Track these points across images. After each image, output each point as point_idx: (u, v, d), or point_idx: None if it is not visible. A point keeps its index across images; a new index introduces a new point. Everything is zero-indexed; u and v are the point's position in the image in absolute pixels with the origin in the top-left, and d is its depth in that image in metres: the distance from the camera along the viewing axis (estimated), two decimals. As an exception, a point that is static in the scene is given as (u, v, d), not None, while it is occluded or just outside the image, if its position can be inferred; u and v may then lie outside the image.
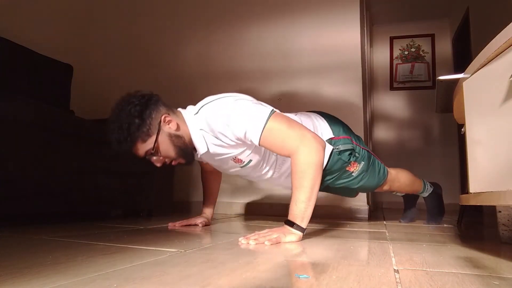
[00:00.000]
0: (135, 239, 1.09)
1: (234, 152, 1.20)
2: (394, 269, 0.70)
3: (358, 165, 1.43)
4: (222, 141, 1.14)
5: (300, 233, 1.05)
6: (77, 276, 0.60)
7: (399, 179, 1.64)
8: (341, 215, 2.13)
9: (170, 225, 1.46)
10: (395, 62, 4.29)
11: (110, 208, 2.01)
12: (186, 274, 0.63)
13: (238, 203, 2.38)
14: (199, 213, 1.58)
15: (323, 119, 1.43)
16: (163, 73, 2.71)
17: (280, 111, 1.21)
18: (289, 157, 1.10)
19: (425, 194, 1.80)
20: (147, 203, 2.07)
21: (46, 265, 0.68)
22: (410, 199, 1.95)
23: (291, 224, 1.05)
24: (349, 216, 2.11)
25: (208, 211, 1.57)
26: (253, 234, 1.05)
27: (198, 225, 1.45)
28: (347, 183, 1.48)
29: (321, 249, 0.96)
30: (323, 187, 1.51)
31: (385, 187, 1.60)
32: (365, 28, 2.82)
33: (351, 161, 1.40)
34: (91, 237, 1.11)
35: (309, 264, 0.74)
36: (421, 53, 4.23)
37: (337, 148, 1.35)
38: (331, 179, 1.44)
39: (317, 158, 1.06)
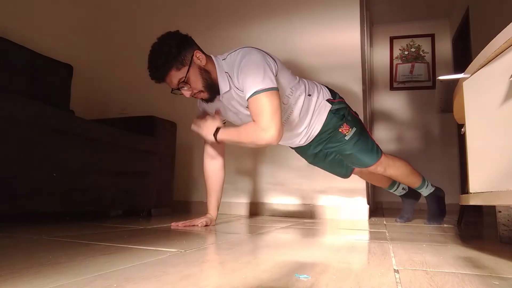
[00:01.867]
0: (135, 239, 1.09)
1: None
2: (394, 269, 0.70)
3: (350, 129, 1.56)
4: (239, 86, 1.32)
5: (212, 139, 1.36)
6: (77, 276, 0.60)
7: (395, 164, 1.67)
8: (341, 215, 2.13)
9: (173, 225, 1.46)
10: (395, 62, 4.29)
11: (110, 208, 2.01)
12: (186, 274, 0.63)
13: (238, 203, 2.38)
14: (199, 213, 1.58)
15: (324, 86, 1.63)
16: (163, 73, 2.71)
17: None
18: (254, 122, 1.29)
19: (425, 192, 1.80)
20: (147, 203, 2.07)
21: (46, 265, 0.68)
22: (408, 199, 1.96)
23: (217, 129, 1.36)
24: (349, 216, 2.11)
25: (213, 211, 1.56)
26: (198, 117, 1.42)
27: (199, 225, 1.45)
28: (340, 146, 1.58)
29: (321, 249, 0.96)
30: (317, 151, 1.65)
31: (380, 169, 1.63)
32: (365, 28, 2.82)
33: (343, 123, 1.55)
34: (91, 237, 1.11)
35: (309, 264, 0.74)
36: (421, 53, 4.23)
37: (333, 107, 1.55)
38: (325, 140, 1.59)
39: (259, 143, 1.29)
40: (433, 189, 1.80)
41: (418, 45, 4.25)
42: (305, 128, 1.54)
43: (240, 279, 0.59)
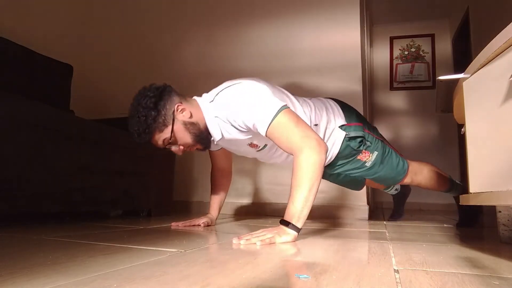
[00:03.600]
0: (135, 239, 1.09)
1: (248, 137, 1.23)
2: (394, 269, 0.70)
3: (370, 155, 1.41)
4: (236, 128, 1.18)
5: (295, 233, 1.05)
6: (77, 276, 0.60)
7: (422, 171, 1.56)
8: (341, 215, 2.13)
9: (173, 225, 1.46)
10: (395, 62, 4.29)
11: (110, 208, 2.01)
12: (186, 274, 0.63)
13: (238, 203, 2.38)
14: (199, 213, 1.58)
15: (337, 105, 1.43)
16: (163, 73, 2.71)
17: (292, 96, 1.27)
18: (292, 154, 1.11)
19: (454, 193, 1.68)
20: (147, 203, 2.07)
21: (46, 265, 0.68)
22: (398, 198, 1.98)
23: (287, 224, 1.05)
24: (349, 216, 2.11)
25: (214, 212, 1.57)
26: (247, 234, 1.05)
27: (200, 225, 1.45)
28: (361, 173, 1.47)
29: (321, 249, 0.96)
30: (333, 173, 1.51)
31: (407, 180, 1.54)
32: (365, 28, 2.82)
33: (361, 150, 1.39)
34: (91, 237, 1.11)
35: (309, 264, 0.74)
36: (421, 53, 4.23)
37: (348, 134, 1.36)
38: (341, 165, 1.45)
39: (318, 160, 1.06)
40: (460, 189, 1.67)
41: (418, 45, 4.25)
42: None
43: (240, 279, 0.59)
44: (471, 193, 0.91)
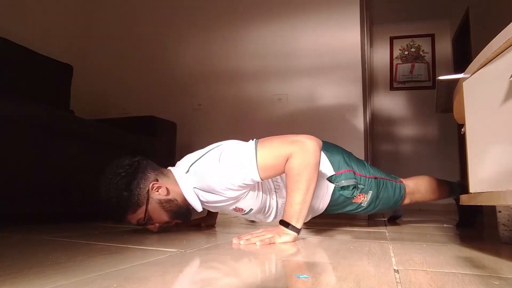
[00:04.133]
0: (135, 239, 1.08)
1: (232, 202, 1.17)
2: (394, 269, 0.70)
3: (366, 196, 1.38)
4: (219, 195, 1.12)
5: (294, 234, 1.05)
6: (77, 276, 0.60)
7: (419, 189, 1.54)
8: (341, 215, 2.12)
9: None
10: (395, 62, 4.30)
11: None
12: (186, 274, 0.63)
13: (238, 203, 2.38)
14: (199, 213, 1.58)
15: (322, 153, 1.33)
16: (163, 73, 2.71)
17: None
18: None
19: (456, 196, 1.65)
20: (147, 203, 2.06)
21: (46, 265, 0.68)
22: None
23: (286, 224, 1.05)
24: (349, 216, 2.10)
25: (213, 213, 1.56)
26: (246, 233, 1.05)
27: (201, 225, 1.45)
28: (360, 211, 1.44)
29: (321, 249, 0.96)
30: (330, 213, 1.46)
31: (406, 201, 1.52)
32: (365, 28, 2.82)
33: (357, 194, 1.35)
34: (91, 237, 1.11)
35: (309, 264, 0.74)
36: (421, 53, 4.23)
37: (338, 184, 1.31)
38: (336, 209, 1.41)
39: (312, 159, 1.05)
40: (459, 189, 1.64)
41: (418, 45, 4.25)
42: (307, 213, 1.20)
43: (240, 279, 0.59)
44: (471, 193, 0.91)
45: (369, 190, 1.38)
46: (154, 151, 2.09)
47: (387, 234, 1.34)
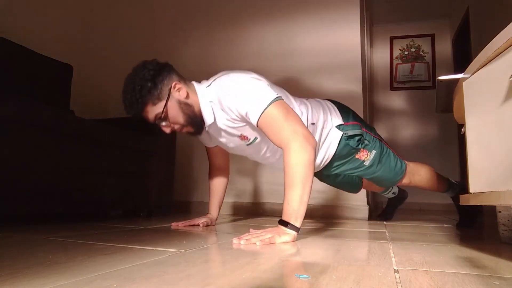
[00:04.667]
0: (135, 239, 1.09)
1: (239, 126, 1.21)
2: (394, 269, 0.70)
3: (369, 154, 1.41)
4: (229, 115, 1.17)
5: (294, 233, 1.05)
6: (77, 276, 0.60)
7: (419, 172, 1.56)
8: (341, 215, 2.13)
9: (173, 225, 1.46)
10: (395, 62, 4.30)
11: (110, 208, 2.01)
12: (186, 274, 0.63)
13: (238, 203, 2.38)
14: (199, 213, 1.58)
15: (334, 105, 1.44)
16: (163, 73, 2.70)
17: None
18: (281, 148, 1.12)
19: (451, 194, 1.69)
20: (147, 203, 2.07)
21: (46, 265, 0.68)
22: (394, 202, 1.99)
23: (285, 224, 1.05)
24: (349, 216, 2.11)
25: (214, 212, 1.56)
26: (246, 234, 1.06)
27: (199, 225, 1.45)
28: (359, 172, 1.47)
29: (321, 249, 0.96)
30: (331, 174, 1.51)
31: (405, 181, 1.54)
32: (365, 28, 2.82)
33: (360, 148, 1.39)
34: (91, 237, 1.11)
35: (309, 264, 0.74)
36: (421, 53, 4.23)
37: (346, 133, 1.36)
38: (339, 165, 1.44)
39: (307, 157, 1.06)
40: (457, 189, 1.67)
41: (418, 45, 4.25)
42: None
43: (240, 279, 0.59)
44: (471, 193, 0.91)
45: (373, 149, 1.42)
46: (154, 151, 2.09)
47: (387, 234, 1.34)
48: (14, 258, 0.75)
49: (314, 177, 1.30)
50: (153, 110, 1.18)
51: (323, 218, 2.05)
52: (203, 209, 2.39)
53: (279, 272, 0.66)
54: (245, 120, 1.17)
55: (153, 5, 2.86)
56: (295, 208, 1.05)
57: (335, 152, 1.38)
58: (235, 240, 1.02)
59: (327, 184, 1.68)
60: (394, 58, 4.30)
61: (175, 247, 0.91)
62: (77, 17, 2.79)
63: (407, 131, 4.12)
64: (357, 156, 1.41)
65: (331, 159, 1.41)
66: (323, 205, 2.18)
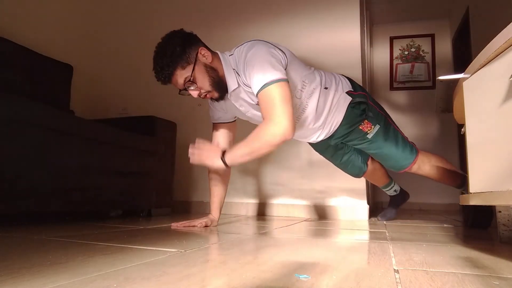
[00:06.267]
0: (135, 239, 1.09)
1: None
2: (394, 269, 0.70)
3: (372, 127, 1.47)
4: (247, 81, 1.26)
5: (221, 164, 1.25)
6: (77, 276, 0.60)
7: (431, 161, 1.55)
8: (341, 215, 2.12)
9: (173, 225, 1.46)
10: (395, 62, 4.29)
11: (110, 208, 2.01)
12: (186, 274, 0.63)
13: (238, 203, 2.38)
14: (199, 213, 1.58)
15: (345, 77, 1.54)
16: (163, 73, 2.70)
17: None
18: (263, 120, 1.22)
19: (466, 191, 1.65)
20: (147, 203, 2.07)
21: (46, 265, 0.68)
22: (396, 200, 1.99)
23: (223, 154, 1.24)
24: (349, 216, 2.11)
25: (215, 212, 1.56)
26: (192, 146, 1.27)
27: (201, 225, 1.45)
28: (364, 145, 1.52)
29: (321, 249, 0.96)
30: (337, 147, 1.60)
31: (414, 167, 1.53)
32: (365, 28, 2.82)
33: (363, 118, 1.46)
34: (91, 237, 1.11)
35: (309, 264, 0.74)
36: (421, 53, 4.23)
37: (353, 100, 1.45)
38: (344, 135, 1.51)
39: (274, 141, 1.18)
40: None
41: (418, 45, 4.25)
42: (323, 123, 1.46)
43: (240, 279, 0.59)
44: (471, 193, 0.91)
45: (377, 123, 1.48)
46: (154, 151, 2.09)
47: (387, 234, 1.34)
48: (14, 258, 0.75)
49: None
50: (182, 74, 1.27)
51: (323, 218, 2.05)
52: (203, 209, 2.39)
53: (279, 272, 0.66)
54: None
55: (153, 5, 2.86)
56: (238, 155, 1.23)
57: (343, 118, 1.46)
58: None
59: (334, 163, 1.74)
60: (394, 58, 4.30)
61: (175, 247, 0.91)
62: (77, 17, 2.79)
63: (407, 131, 4.09)
64: (360, 127, 1.47)
65: (338, 126, 1.48)
66: (323, 205, 2.18)
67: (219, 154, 1.26)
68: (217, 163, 1.26)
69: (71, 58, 2.35)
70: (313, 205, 2.20)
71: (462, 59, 3.46)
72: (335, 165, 1.76)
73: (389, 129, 1.51)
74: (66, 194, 1.55)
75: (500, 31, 0.78)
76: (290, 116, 1.18)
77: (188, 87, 1.29)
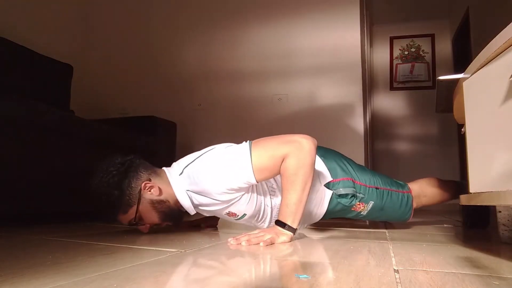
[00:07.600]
0: (135, 239, 1.08)
1: (226, 206, 1.14)
2: (394, 269, 0.70)
3: (366, 205, 1.34)
4: (213, 199, 1.10)
5: (291, 234, 1.04)
6: (77, 276, 0.60)
7: (425, 192, 1.49)
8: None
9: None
10: (395, 62, 4.29)
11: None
12: (186, 274, 0.63)
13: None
14: (198, 213, 1.57)
15: (319, 159, 1.31)
16: (163, 73, 2.71)
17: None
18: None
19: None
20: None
21: (46, 265, 0.68)
22: None
23: (283, 225, 1.04)
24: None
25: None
26: (243, 235, 1.02)
27: (201, 225, 1.45)
28: (361, 218, 1.41)
29: (321, 249, 0.96)
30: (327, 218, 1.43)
31: (413, 208, 1.47)
32: (365, 28, 2.82)
33: (355, 203, 1.32)
34: (91, 237, 1.11)
35: (309, 264, 0.74)
36: (421, 53, 4.23)
37: (336, 192, 1.29)
38: (334, 216, 1.39)
39: (308, 159, 1.04)
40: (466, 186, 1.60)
41: (418, 45, 4.25)
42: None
43: (240, 279, 0.59)
44: (471, 193, 0.91)
45: (370, 200, 1.34)
46: (154, 151, 2.09)
47: (387, 234, 1.34)
48: (14, 258, 0.75)
49: None
50: (125, 218, 1.11)
51: (322, 218, 2.05)
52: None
53: (279, 272, 0.66)
54: (240, 189, 1.10)
55: (153, 5, 2.86)
56: (293, 210, 1.04)
57: (327, 210, 1.31)
58: (232, 241, 0.99)
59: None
60: (394, 58, 4.30)
61: (175, 247, 0.91)
62: (77, 17, 2.79)
63: (407, 131, 4.12)
64: (353, 209, 1.34)
65: (324, 215, 1.34)
66: (323, 205, 2.18)
67: (277, 227, 1.04)
68: (287, 234, 1.03)
69: (71, 58, 2.35)
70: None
71: (462, 59, 3.46)
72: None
73: (383, 198, 1.37)
74: (66, 194, 1.55)
75: (500, 31, 0.78)
76: (287, 135, 1.08)
77: (135, 226, 1.15)
